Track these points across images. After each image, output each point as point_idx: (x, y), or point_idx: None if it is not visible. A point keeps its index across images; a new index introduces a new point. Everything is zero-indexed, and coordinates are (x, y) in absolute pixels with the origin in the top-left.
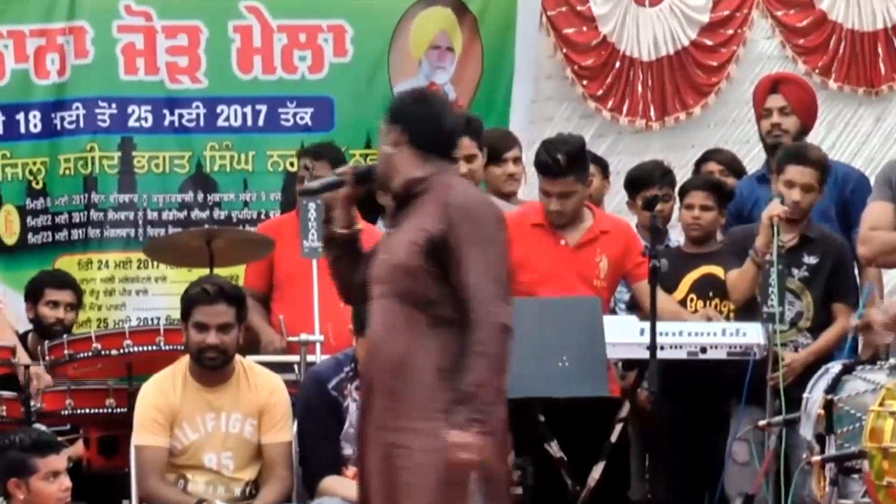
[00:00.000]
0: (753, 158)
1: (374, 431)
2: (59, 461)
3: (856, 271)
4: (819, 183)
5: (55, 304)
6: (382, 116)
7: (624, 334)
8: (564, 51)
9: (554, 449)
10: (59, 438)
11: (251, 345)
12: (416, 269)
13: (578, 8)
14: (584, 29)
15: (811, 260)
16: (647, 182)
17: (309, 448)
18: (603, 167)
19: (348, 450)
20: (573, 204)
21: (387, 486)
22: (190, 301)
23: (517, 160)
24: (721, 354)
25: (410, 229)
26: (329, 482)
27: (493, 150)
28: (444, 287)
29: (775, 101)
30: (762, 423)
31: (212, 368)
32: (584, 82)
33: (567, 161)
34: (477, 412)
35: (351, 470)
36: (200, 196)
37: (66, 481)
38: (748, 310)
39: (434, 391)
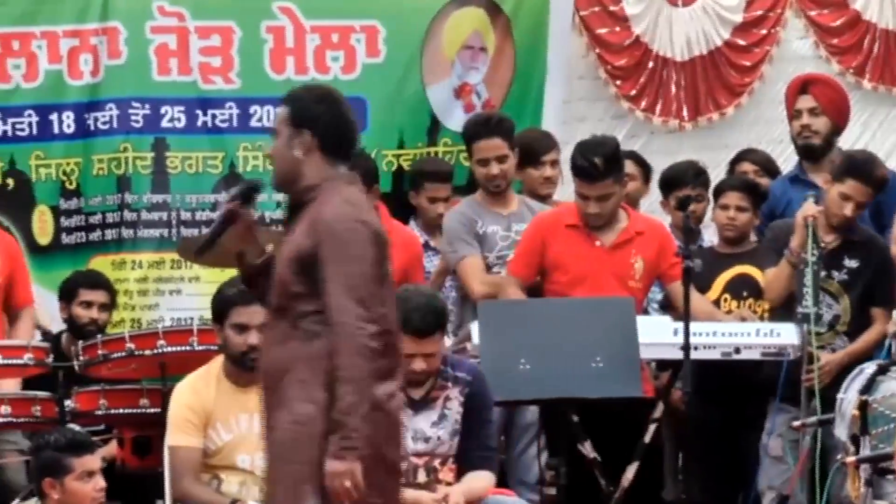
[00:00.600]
0: (787, 159)
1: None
2: (93, 461)
3: None
4: (872, 199)
5: (89, 305)
6: (279, 115)
7: (657, 335)
8: (597, 51)
9: (587, 449)
10: (94, 438)
11: None
12: (289, 284)
13: (611, 8)
14: (617, 29)
15: (852, 263)
16: (680, 182)
17: None
18: (646, 171)
19: None
20: (611, 206)
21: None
22: (227, 302)
23: (555, 163)
24: (755, 355)
25: (289, 242)
26: None
27: (530, 152)
28: (315, 302)
29: (805, 102)
30: (796, 423)
31: (252, 369)
32: (617, 82)
33: (604, 164)
34: (347, 440)
35: None
36: None
37: (100, 481)
38: (787, 310)
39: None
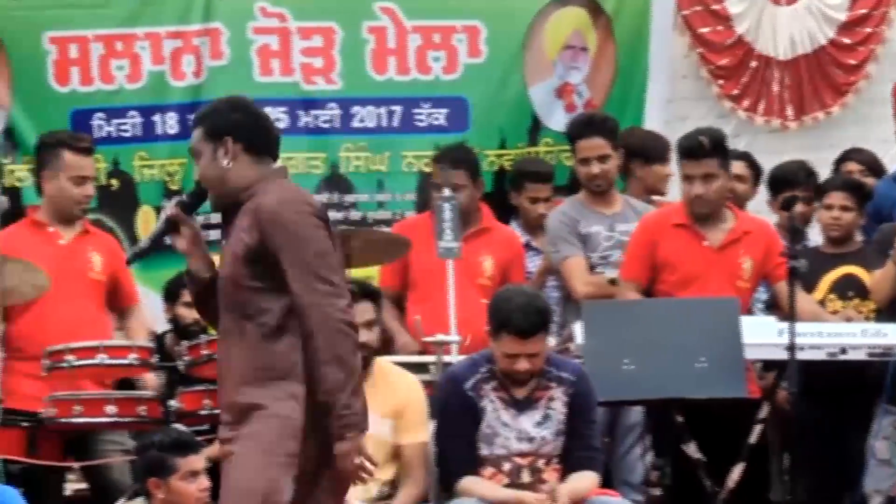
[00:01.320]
0: (893, 158)
1: (221, 448)
2: (198, 461)
3: None
4: None
5: (192, 305)
6: (194, 137)
7: (762, 335)
8: (699, 50)
9: (692, 450)
10: (198, 438)
11: (384, 345)
12: (240, 281)
13: (713, 7)
14: (720, 28)
15: None
16: (790, 182)
17: (446, 448)
18: (756, 173)
19: (485, 450)
20: (715, 190)
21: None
22: None
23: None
24: (861, 355)
25: (233, 240)
26: (466, 483)
27: (656, 148)
28: (268, 297)
29: None
30: None
31: (362, 368)
32: (720, 82)
33: (710, 143)
34: (342, 418)
35: (488, 470)
36: (335, 197)
37: (204, 481)
38: (893, 312)
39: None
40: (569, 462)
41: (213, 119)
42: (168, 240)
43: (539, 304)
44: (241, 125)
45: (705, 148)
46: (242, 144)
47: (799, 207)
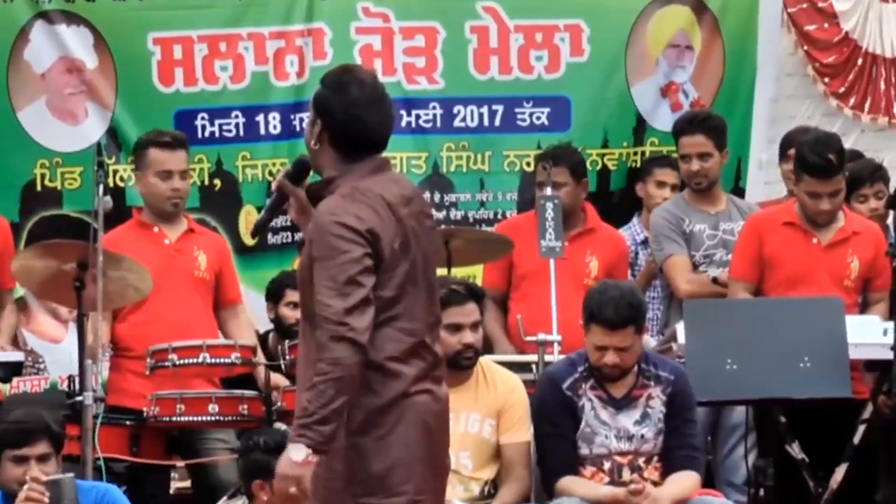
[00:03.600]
0: None
1: None
2: None
3: None
4: None
5: (296, 305)
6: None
7: (867, 334)
8: (805, 48)
9: (795, 450)
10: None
11: (484, 344)
12: (305, 279)
13: (820, 4)
14: (826, 25)
15: None
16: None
17: (546, 448)
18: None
19: (585, 449)
20: (840, 202)
21: None
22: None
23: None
24: None
25: (306, 242)
26: (566, 482)
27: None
28: None
29: None
30: None
31: (467, 368)
32: (826, 79)
33: (838, 160)
34: (308, 430)
35: (589, 469)
36: (437, 196)
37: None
38: None
39: None
40: (669, 461)
41: (319, 88)
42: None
43: (631, 299)
44: (332, 113)
45: (835, 166)
46: (329, 135)
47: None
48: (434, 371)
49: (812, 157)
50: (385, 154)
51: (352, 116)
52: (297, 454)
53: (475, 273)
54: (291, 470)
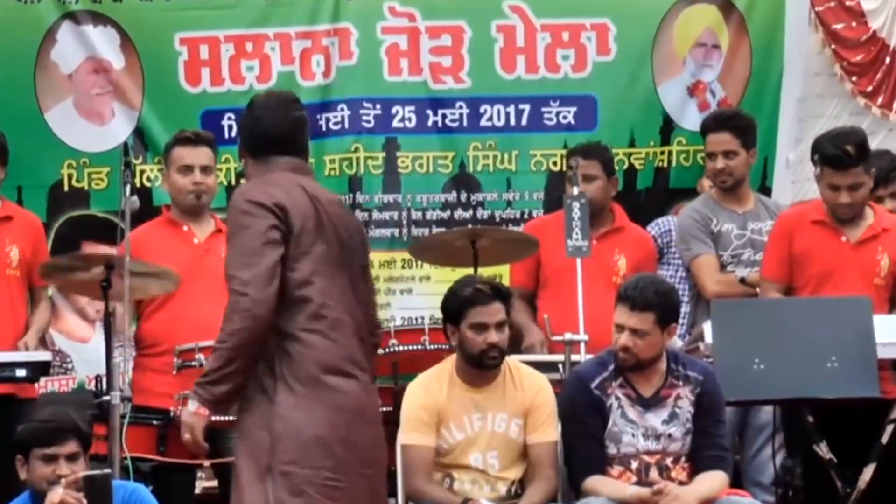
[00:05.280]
0: None
1: None
2: None
3: None
4: None
5: None
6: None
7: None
8: (833, 46)
9: (823, 450)
10: None
11: (511, 343)
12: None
13: (847, 3)
14: (854, 24)
15: None
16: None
17: (573, 447)
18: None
19: (612, 449)
20: (862, 196)
21: None
22: (464, 302)
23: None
24: None
25: None
26: (594, 482)
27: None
28: None
29: None
30: None
31: (492, 368)
32: (854, 78)
33: (856, 151)
34: (201, 388)
35: (616, 468)
36: (464, 196)
37: None
38: None
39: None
40: (697, 462)
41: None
42: None
43: (661, 287)
44: (243, 127)
45: (852, 157)
46: (245, 146)
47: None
48: (361, 359)
49: (830, 147)
50: (411, 154)
51: (254, 119)
52: (191, 406)
53: (502, 273)
54: (187, 418)
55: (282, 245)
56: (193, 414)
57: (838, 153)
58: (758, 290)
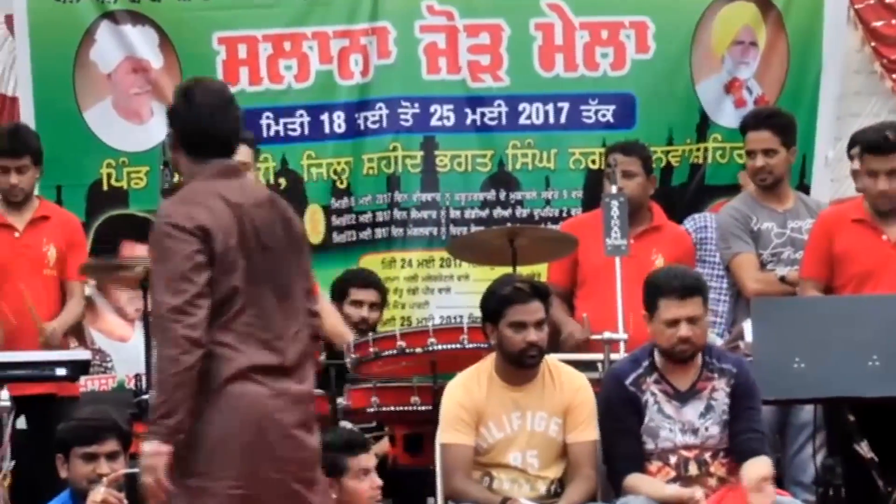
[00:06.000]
0: None
1: None
2: (369, 459)
3: None
4: None
5: (359, 304)
6: None
7: None
8: (873, 44)
9: (864, 449)
10: (366, 436)
11: (549, 342)
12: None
13: (887, 0)
14: (894, 21)
15: None
16: None
17: (611, 445)
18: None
19: (650, 444)
20: None
21: None
22: (503, 301)
23: None
24: None
25: None
26: (633, 480)
27: None
28: None
29: None
30: None
31: (531, 367)
32: (894, 76)
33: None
34: (156, 426)
35: (655, 464)
36: (502, 194)
37: (376, 479)
38: None
39: None
40: (737, 446)
41: (173, 100)
42: None
43: (694, 273)
44: (179, 118)
45: (890, 141)
46: (179, 141)
47: None
48: (278, 367)
49: (870, 132)
50: (450, 152)
51: (197, 119)
52: (149, 447)
53: (540, 271)
54: (148, 461)
55: (209, 267)
56: (153, 455)
57: (878, 137)
58: (797, 289)
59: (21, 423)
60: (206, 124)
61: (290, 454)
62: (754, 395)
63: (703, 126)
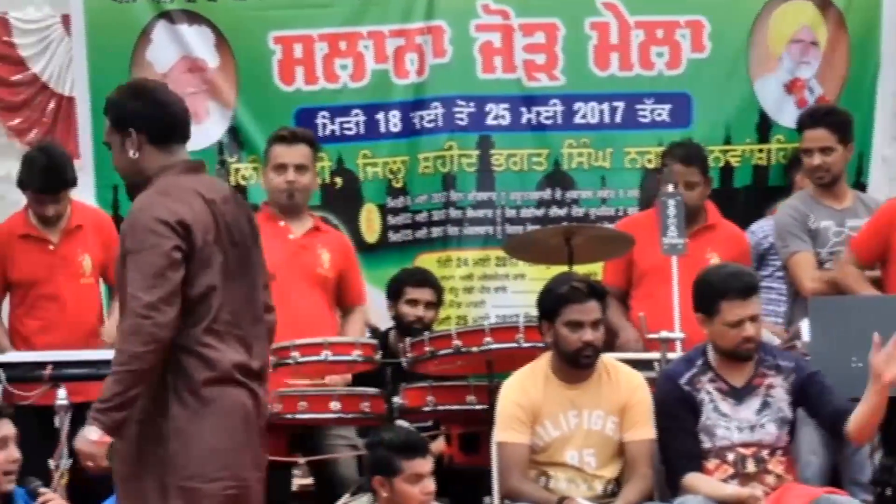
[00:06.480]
0: None
1: None
2: (423, 465)
3: None
4: None
5: (415, 303)
6: (105, 127)
7: None
8: None
9: None
10: (422, 435)
11: (607, 342)
12: (120, 279)
13: None
14: None
15: None
16: None
17: (669, 444)
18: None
19: (707, 443)
20: None
21: None
22: (560, 300)
23: None
24: None
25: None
26: (691, 479)
27: None
28: None
29: None
30: None
31: (587, 366)
32: None
33: None
34: (103, 415)
35: (713, 461)
36: (558, 193)
37: (429, 485)
38: None
39: None
40: (832, 414)
41: (116, 110)
42: None
43: (748, 270)
44: (141, 115)
45: None
46: (146, 135)
47: None
48: (250, 366)
49: None
50: (505, 151)
51: (161, 108)
52: (91, 434)
53: (596, 270)
54: (88, 448)
55: (183, 265)
56: (94, 443)
57: None
58: (834, 258)
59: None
60: (171, 111)
61: (263, 454)
62: (821, 379)
63: (764, 126)
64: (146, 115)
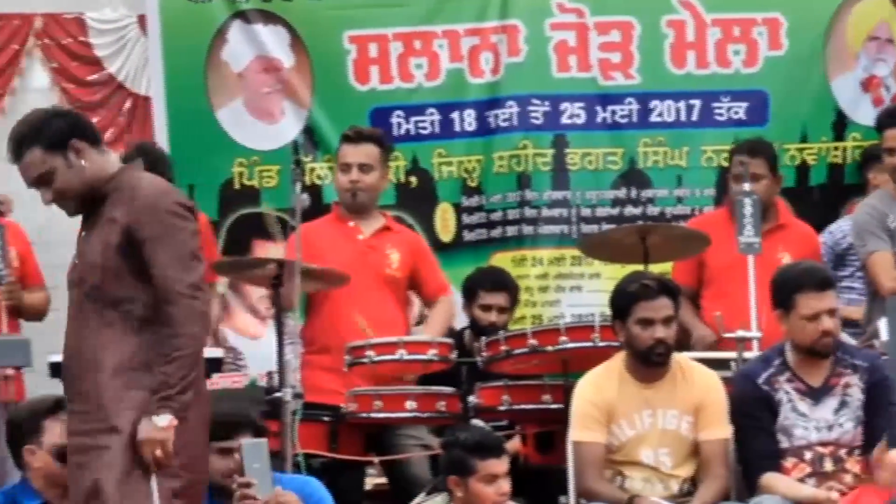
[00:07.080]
0: None
1: (71, 439)
2: (498, 465)
3: None
4: None
5: (488, 308)
6: (35, 163)
7: None
8: None
9: None
10: (498, 434)
11: (680, 341)
12: (110, 268)
13: None
14: None
15: None
16: None
17: (746, 444)
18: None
19: (785, 442)
20: None
21: (77, 492)
22: (631, 297)
23: None
24: None
25: (103, 229)
26: (769, 478)
27: None
28: (136, 285)
29: None
30: None
31: (659, 364)
32: None
33: None
34: (172, 400)
35: (790, 461)
36: (633, 192)
37: (504, 485)
38: None
39: (123, 391)
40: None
41: (45, 135)
42: None
43: (823, 266)
44: (69, 126)
45: None
46: (85, 140)
47: None
48: None
49: None
50: (580, 150)
51: (72, 114)
52: (162, 421)
53: (670, 270)
54: (158, 434)
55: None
56: (164, 430)
57: None
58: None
59: None
60: (84, 116)
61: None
62: (884, 392)
63: (840, 124)
64: (73, 124)
